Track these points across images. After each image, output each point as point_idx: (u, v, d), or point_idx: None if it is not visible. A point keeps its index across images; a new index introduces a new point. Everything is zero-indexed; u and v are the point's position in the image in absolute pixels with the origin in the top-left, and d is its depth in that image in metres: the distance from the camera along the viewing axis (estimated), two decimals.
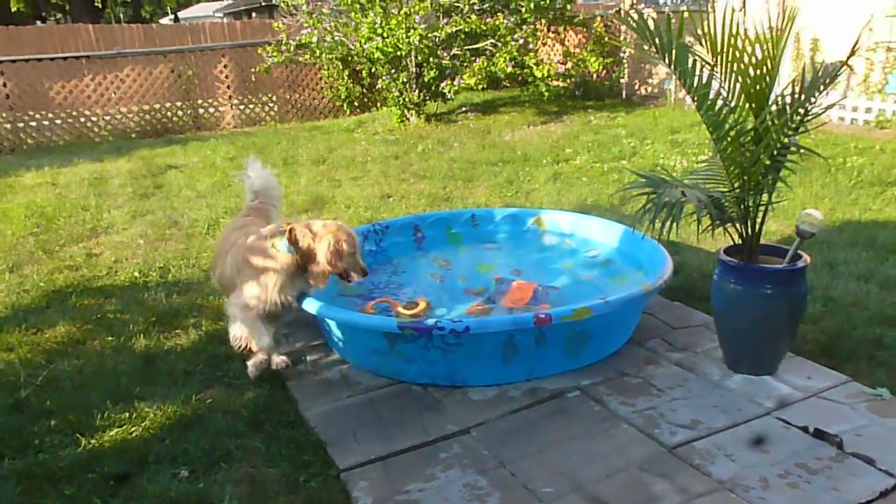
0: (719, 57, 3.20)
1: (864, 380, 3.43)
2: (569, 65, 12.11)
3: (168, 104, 12.66)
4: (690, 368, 3.63)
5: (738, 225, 3.44)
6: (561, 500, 2.69)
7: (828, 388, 3.37)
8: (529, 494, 2.75)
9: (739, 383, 3.46)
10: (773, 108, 3.17)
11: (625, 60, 12.75)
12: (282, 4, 12.12)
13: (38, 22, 28.53)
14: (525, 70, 11.08)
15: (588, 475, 2.82)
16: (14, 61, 11.68)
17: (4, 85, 11.51)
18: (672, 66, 3.26)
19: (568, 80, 12.39)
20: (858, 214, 5.98)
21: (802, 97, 3.10)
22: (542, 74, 10.91)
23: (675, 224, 3.12)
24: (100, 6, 30.25)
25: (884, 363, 3.61)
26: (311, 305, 3.74)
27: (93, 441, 3.26)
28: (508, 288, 4.38)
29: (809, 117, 3.18)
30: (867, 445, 2.91)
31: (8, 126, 11.63)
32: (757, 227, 3.41)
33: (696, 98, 3.26)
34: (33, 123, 11.81)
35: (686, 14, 3.35)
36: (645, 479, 2.76)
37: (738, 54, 3.12)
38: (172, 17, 40.20)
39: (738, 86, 3.20)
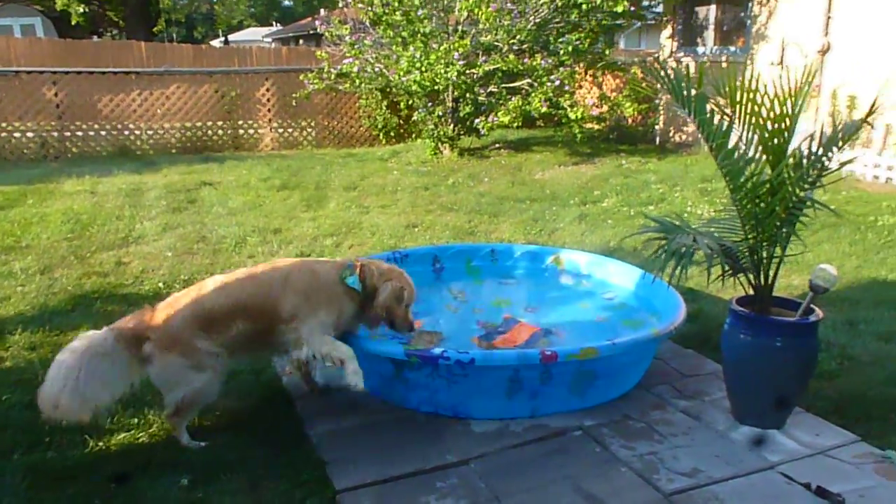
0: (738, 108, 3.23)
1: (875, 441, 3.37)
2: (604, 108, 12.15)
3: (210, 123, 13.00)
4: (696, 417, 3.60)
5: (750, 276, 3.44)
6: None
7: (835, 446, 3.31)
8: None
9: (745, 435, 3.42)
10: (791, 161, 3.19)
11: (661, 107, 12.77)
12: (326, 35, 12.42)
13: (95, 37, 29.56)
14: (560, 111, 11.16)
15: None
16: (67, 73, 12.17)
17: (56, 95, 11.95)
18: (691, 115, 3.30)
19: (602, 124, 12.46)
20: (885, 274, 5.90)
21: (819, 152, 3.12)
22: (576, 116, 10.96)
23: (684, 271, 3.13)
24: (154, 25, 31.32)
25: None
26: None
27: (100, 443, 3.35)
28: (510, 327, 4.39)
29: (826, 173, 3.19)
30: None
31: (55, 134, 12.05)
32: (770, 278, 3.40)
33: (714, 147, 3.29)
34: (80, 133, 12.24)
35: (725, 65, 3.39)
36: None
37: (755, 108, 3.15)
38: (223, 39, 41.41)
39: (755, 138, 3.23)
